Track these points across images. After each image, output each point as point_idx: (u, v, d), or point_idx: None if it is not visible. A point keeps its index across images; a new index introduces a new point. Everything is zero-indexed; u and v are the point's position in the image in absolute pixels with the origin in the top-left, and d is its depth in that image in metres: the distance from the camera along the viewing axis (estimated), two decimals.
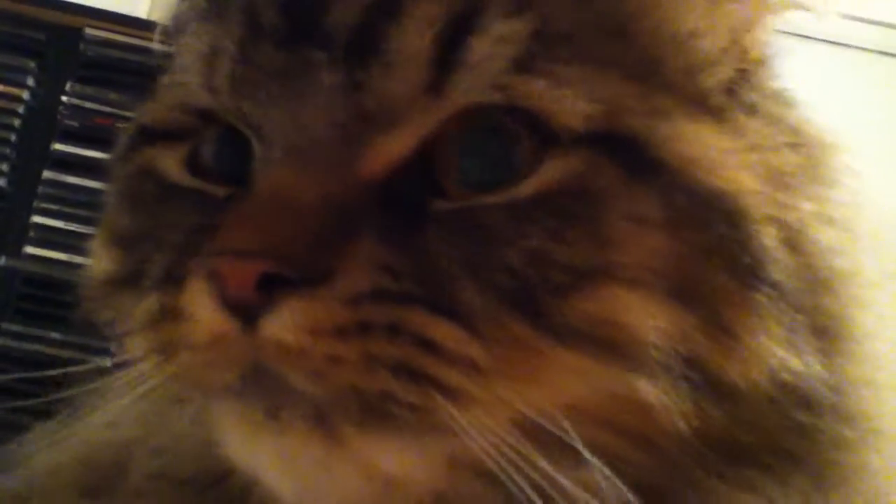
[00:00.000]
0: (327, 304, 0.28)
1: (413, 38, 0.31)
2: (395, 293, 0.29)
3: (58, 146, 1.84)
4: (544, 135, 0.31)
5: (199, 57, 0.36)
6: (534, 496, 0.28)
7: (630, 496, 0.28)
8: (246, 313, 0.29)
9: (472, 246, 0.30)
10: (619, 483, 0.28)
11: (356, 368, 0.28)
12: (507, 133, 0.31)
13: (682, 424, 0.30)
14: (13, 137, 1.84)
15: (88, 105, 1.86)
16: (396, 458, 0.31)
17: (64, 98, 1.86)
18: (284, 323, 0.28)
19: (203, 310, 0.30)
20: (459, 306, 0.29)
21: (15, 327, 1.72)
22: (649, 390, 0.30)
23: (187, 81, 0.37)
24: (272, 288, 0.28)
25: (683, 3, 0.34)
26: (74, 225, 1.77)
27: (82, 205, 1.77)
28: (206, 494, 0.36)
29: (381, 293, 0.29)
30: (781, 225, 0.32)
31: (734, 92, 0.35)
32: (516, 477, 0.28)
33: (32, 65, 1.88)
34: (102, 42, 1.88)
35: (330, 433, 0.30)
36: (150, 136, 0.40)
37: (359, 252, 0.29)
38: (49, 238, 1.78)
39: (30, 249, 1.78)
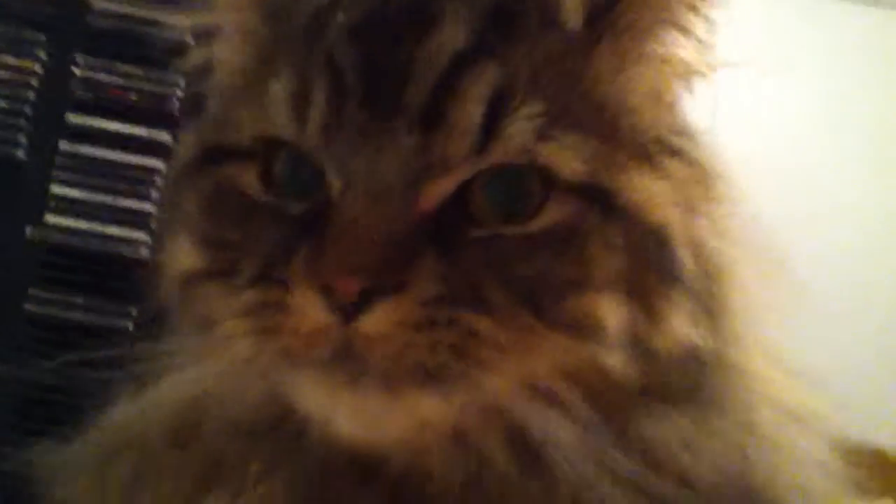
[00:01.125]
0: (406, 307, 0.41)
1: (467, 115, 0.43)
2: (447, 297, 0.41)
3: (72, 118, 1.89)
4: (548, 183, 0.44)
5: (288, 101, 0.45)
6: (530, 430, 0.42)
7: (590, 426, 0.42)
8: (346, 313, 0.40)
9: (498, 263, 0.43)
10: (585, 410, 0.42)
11: (424, 350, 0.41)
12: (523, 180, 0.44)
13: (624, 380, 0.43)
14: (28, 110, 1.90)
15: (98, 76, 1.91)
16: (434, 406, 0.42)
17: (75, 70, 1.91)
18: (376, 320, 0.40)
19: (312, 309, 0.41)
20: (490, 305, 0.42)
21: (41, 293, 1.81)
22: (608, 358, 0.43)
23: (273, 116, 0.46)
24: (367, 296, 0.40)
25: (632, 86, 0.48)
26: (92, 194, 1.85)
27: (99, 174, 1.84)
28: (266, 436, 0.46)
29: (440, 297, 0.41)
30: (691, 241, 0.46)
31: (662, 140, 0.48)
32: (521, 417, 0.42)
33: (42, 38, 1.93)
34: (109, 14, 1.93)
35: (392, 391, 0.42)
36: (227, 153, 0.49)
37: (423, 268, 0.41)
38: (68, 207, 1.86)
39: (50, 219, 1.86)
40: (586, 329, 0.43)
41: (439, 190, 0.43)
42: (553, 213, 0.43)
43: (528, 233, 0.43)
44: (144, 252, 1.81)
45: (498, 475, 0.44)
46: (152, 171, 1.87)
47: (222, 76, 0.54)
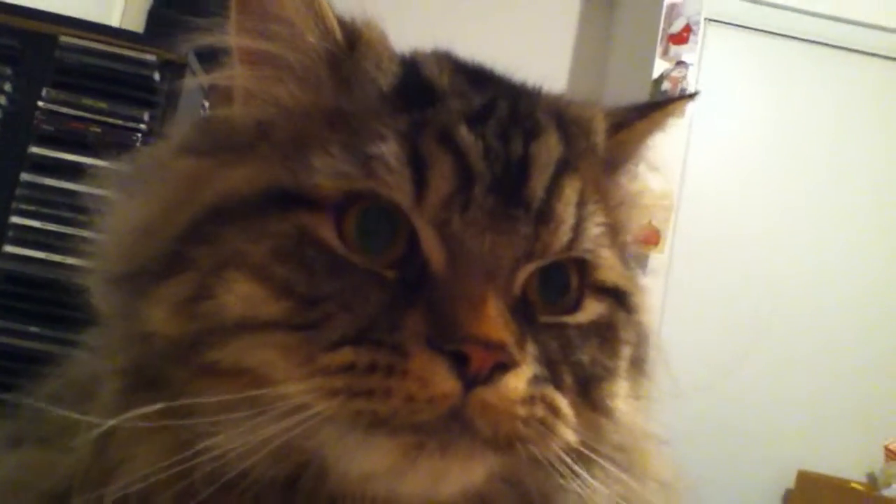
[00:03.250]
0: (521, 383, 0.45)
1: (569, 215, 0.51)
2: (540, 377, 0.47)
3: (34, 149, 1.90)
4: (586, 281, 0.53)
5: (404, 167, 0.48)
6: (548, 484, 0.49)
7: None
8: (468, 382, 0.43)
9: (563, 348, 0.50)
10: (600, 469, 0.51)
11: (519, 422, 0.45)
12: (568, 275, 0.52)
13: (612, 451, 0.52)
14: None
15: (63, 110, 1.93)
16: (481, 470, 0.47)
17: (40, 103, 1.92)
18: (495, 392, 0.44)
19: (437, 376, 0.43)
20: (563, 385, 0.49)
21: None
22: (614, 433, 0.52)
23: (382, 176, 0.47)
24: (495, 369, 0.44)
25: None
26: (51, 225, 1.85)
27: (58, 205, 1.85)
28: (285, 488, 0.47)
29: (537, 377, 0.47)
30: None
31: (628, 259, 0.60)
32: (554, 476, 0.48)
33: (9, 71, 1.94)
34: (77, 49, 1.95)
35: (471, 456, 0.45)
36: (298, 199, 0.48)
37: (528, 348, 0.47)
38: (26, 237, 1.86)
39: (8, 248, 1.85)
40: (608, 409, 0.52)
41: (526, 274, 0.49)
42: (594, 308, 0.53)
43: (579, 323, 0.52)
44: None
45: None
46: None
47: (276, 114, 0.52)
